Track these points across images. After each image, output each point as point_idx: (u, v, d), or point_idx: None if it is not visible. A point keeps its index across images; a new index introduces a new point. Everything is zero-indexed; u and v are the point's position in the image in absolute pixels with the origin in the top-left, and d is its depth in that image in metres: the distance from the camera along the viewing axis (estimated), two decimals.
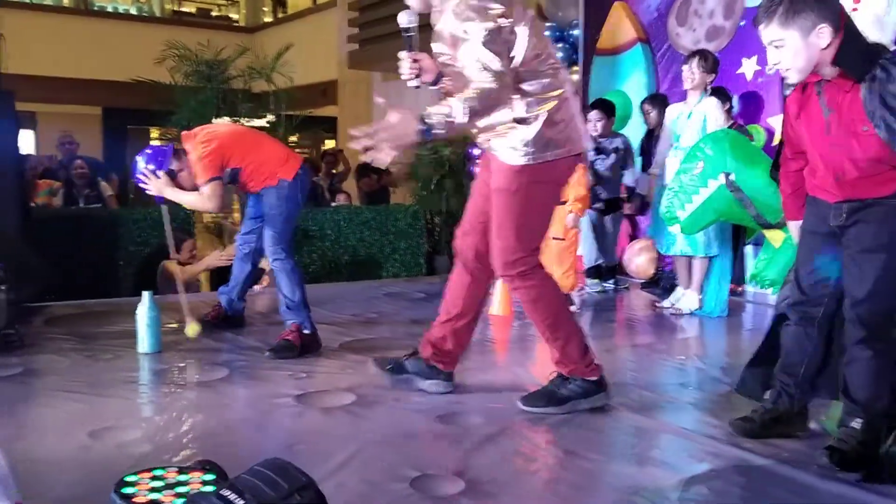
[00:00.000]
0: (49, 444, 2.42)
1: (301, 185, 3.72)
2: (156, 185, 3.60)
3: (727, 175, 3.32)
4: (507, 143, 2.62)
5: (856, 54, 2.23)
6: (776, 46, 2.26)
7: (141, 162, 3.63)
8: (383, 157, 2.42)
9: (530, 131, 2.59)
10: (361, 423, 2.68)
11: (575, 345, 2.79)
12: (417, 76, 2.77)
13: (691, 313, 4.64)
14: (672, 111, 4.74)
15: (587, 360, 2.81)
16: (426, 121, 2.40)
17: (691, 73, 4.48)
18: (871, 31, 2.70)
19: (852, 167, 2.29)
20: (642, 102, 5.60)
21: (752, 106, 5.28)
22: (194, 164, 3.57)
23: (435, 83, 2.82)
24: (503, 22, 2.50)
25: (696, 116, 4.51)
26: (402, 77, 2.79)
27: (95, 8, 14.41)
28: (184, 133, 3.75)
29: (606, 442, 2.65)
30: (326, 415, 2.78)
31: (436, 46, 2.70)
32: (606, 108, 5.36)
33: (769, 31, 2.25)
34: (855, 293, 2.33)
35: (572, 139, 2.65)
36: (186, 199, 3.68)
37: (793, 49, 2.23)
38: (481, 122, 2.61)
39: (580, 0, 6.58)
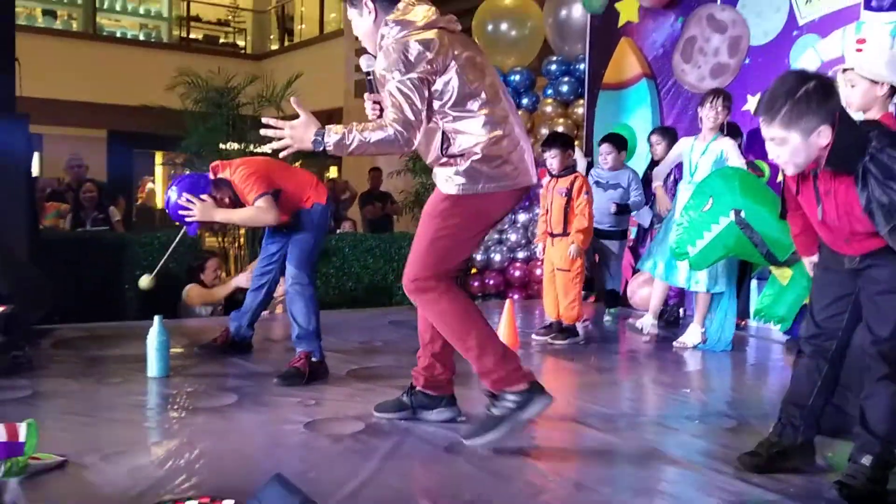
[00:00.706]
0: (61, 469, 2.43)
1: (331, 211, 3.82)
2: (203, 209, 3.54)
3: (737, 212, 3.37)
4: (445, 173, 2.71)
5: (846, 152, 2.26)
6: (777, 144, 2.30)
7: (173, 194, 3.57)
8: (282, 150, 2.66)
9: (462, 165, 2.66)
10: (371, 451, 2.69)
11: (490, 353, 2.69)
12: (380, 116, 2.82)
13: (695, 347, 4.66)
14: (685, 142, 4.81)
15: (509, 367, 2.69)
16: (322, 136, 2.57)
17: (716, 113, 4.56)
18: (885, 72, 2.75)
19: (857, 235, 2.36)
20: (651, 134, 5.67)
21: (757, 142, 5.35)
22: (242, 183, 3.58)
23: None
24: (428, 71, 2.59)
25: (710, 154, 4.58)
26: (369, 117, 2.87)
27: (104, 33, 14.57)
28: (217, 164, 3.78)
29: (615, 474, 2.66)
30: (336, 442, 2.79)
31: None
32: (617, 141, 5.42)
33: (771, 130, 2.29)
34: (878, 331, 2.37)
35: (510, 175, 2.68)
36: (242, 216, 3.67)
37: (793, 148, 2.28)
38: (429, 158, 2.74)
39: (586, 35, 6.68)
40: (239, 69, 8.21)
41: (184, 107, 7.30)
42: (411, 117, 2.57)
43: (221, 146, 7.07)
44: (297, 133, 2.60)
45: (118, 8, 14.97)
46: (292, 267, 3.67)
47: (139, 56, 13.48)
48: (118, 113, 11.97)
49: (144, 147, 13.92)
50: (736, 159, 4.51)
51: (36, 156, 13.58)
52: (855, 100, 3.01)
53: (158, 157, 15.48)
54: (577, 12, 6.80)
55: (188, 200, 3.55)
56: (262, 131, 2.64)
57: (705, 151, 4.60)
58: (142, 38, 15.13)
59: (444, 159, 2.70)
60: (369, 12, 2.74)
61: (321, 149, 2.59)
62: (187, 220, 3.60)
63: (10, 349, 3.57)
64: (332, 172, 14.41)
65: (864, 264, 2.40)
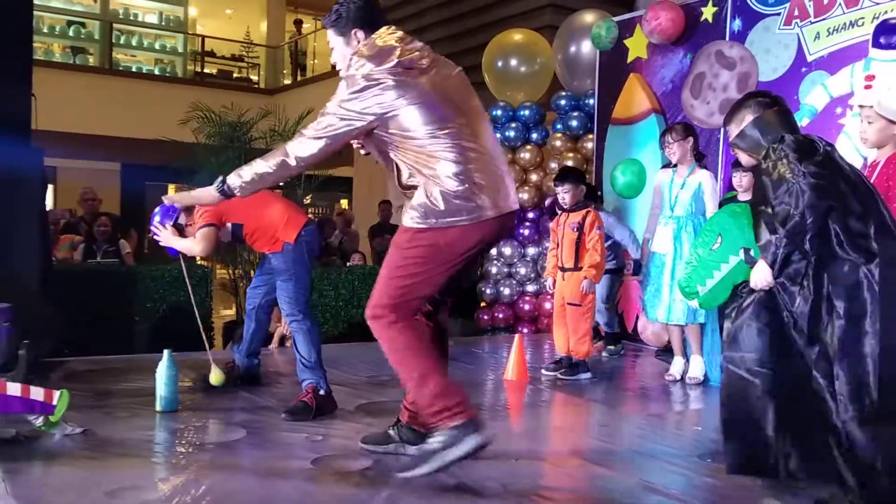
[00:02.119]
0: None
1: (307, 246, 3.79)
2: (164, 236, 3.76)
3: (747, 251, 3.35)
4: (406, 205, 2.74)
5: (751, 138, 2.67)
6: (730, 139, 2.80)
7: (156, 217, 3.78)
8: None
9: (419, 197, 2.67)
10: (378, 488, 2.66)
11: (428, 391, 2.66)
12: (362, 146, 2.91)
13: (702, 382, 4.60)
14: (663, 175, 4.80)
15: (446, 403, 2.63)
16: (221, 182, 2.85)
17: (670, 149, 4.59)
18: None
19: None
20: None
21: None
22: (196, 213, 3.71)
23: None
24: (374, 109, 2.63)
25: (688, 186, 4.58)
26: (355, 148, 2.93)
27: (120, 67, 14.79)
28: None
29: None
30: (342, 479, 2.77)
31: None
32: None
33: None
34: None
35: (468, 210, 2.63)
36: (184, 245, 3.80)
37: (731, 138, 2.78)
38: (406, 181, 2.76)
39: (595, 71, 6.73)
40: (252, 103, 8.31)
41: (197, 141, 7.38)
42: (321, 143, 2.68)
43: None
44: (195, 196, 3.04)
45: (134, 43, 15.21)
46: (284, 306, 3.75)
47: (154, 90, 13.65)
48: (132, 146, 12.09)
49: (157, 180, 14.03)
50: (710, 195, 4.53)
51: (50, 188, 13.75)
52: (871, 136, 3.02)
53: (171, 191, 15.61)
54: (587, 48, 6.85)
55: (155, 227, 3.77)
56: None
57: (683, 185, 4.60)
58: (157, 72, 15.34)
59: (401, 190, 2.77)
60: (357, 42, 2.79)
61: (221, 183, 2.84)
62: (160, 244, 3.81)
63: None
64: (344, 204, 14.49)
65: None
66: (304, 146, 2.72)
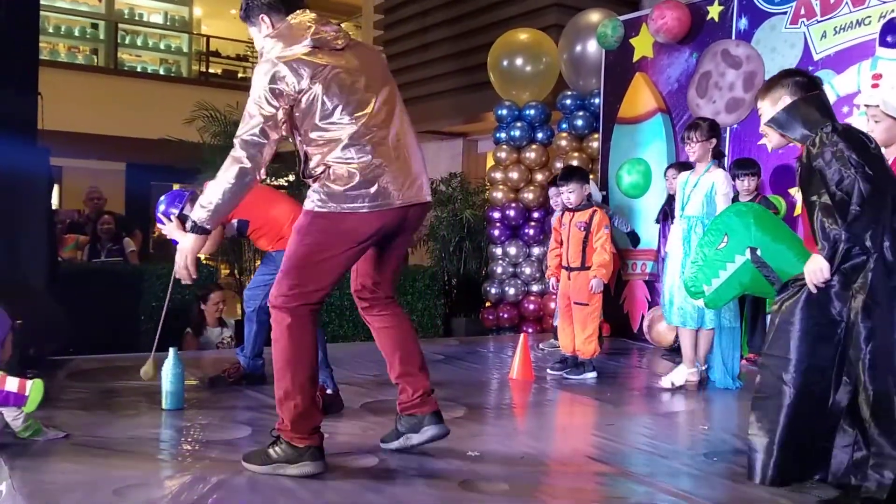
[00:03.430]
0: (74, 503, 2.42)
1: None
2: (168, 226, 3.69)
3: (753, 250, 3.35)
4: (310, 190, 2.71)
5: (790, 115, 2.64)
6: (760, 115, 2.82)
7: (161, 205, 3.75)
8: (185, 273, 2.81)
9: (322, 180, 2.66)
10: (385, 487, 2.66)
11: (291, 405, 2.67)
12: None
13: (680, 387, 4.53)
14: (683, 176, 4.76)
15: (301, 425, 2.68)
16: (191, 222, 2.74)
17: (691, 147, 4.47)
18: None
19: None
20: (667, 168, 5.66)
21: (774, 178, 5.34)
22: None
23: None
24: (288, 91, 2.57)
25: (701, 186, 4.47)
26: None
27: (125, 68, 14.81)
28: (207, 182, 3.86)
29: None
30: (349, 477, 2.76)
31: None
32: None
33: (758, 106, 2.84)
34: None
35: (371, 195, 2.61)
36: (182, 244, 3.75)
37: (764, 114, 2.78)
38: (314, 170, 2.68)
39: (601, 70, 6.72)
40: None
41: (202, 140, 7.39)
42: (257, 130, 2.59)
43: None
44: (182, 251, 2.79)
45: (139, 43, 15.24)
46: None
47: (159, 90, 13.65)
48: (137, 146, 12.10)
49: (162, 180, 14.05)
50: (721, 196, 4.37)
51: (56, 187, 13.78)
52: (878, 135, 3.02)
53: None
54: (592, 48, 6.85)
55: (163, 215, 3.71)
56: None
57: (697, 184, 4.48)
58: (162, 72, 15.35)
59: (304, 179, 2.74)
60: (267, 27, 2.74)
61: (192, 224, 2.73)
62: (164, 232, 3.74)
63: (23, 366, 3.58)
64: None
65: None
66: (246, 142, 2.61)
